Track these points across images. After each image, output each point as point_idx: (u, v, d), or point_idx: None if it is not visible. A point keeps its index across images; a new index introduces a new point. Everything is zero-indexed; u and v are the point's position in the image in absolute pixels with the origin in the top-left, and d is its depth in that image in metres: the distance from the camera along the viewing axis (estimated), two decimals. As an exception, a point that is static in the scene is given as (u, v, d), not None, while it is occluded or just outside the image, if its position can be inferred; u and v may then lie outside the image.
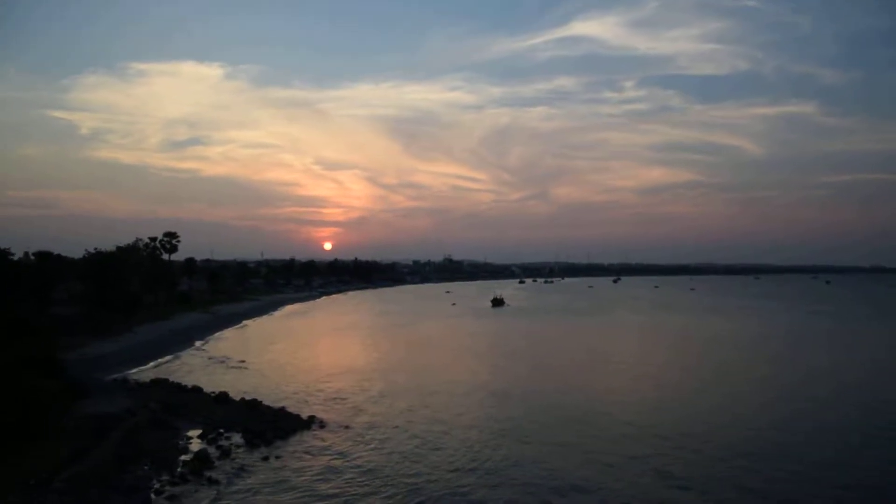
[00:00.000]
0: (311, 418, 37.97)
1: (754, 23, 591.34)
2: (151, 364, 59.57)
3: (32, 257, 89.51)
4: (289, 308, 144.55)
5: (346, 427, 36.49)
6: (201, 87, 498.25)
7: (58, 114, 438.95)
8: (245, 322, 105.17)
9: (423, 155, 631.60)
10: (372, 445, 32.88)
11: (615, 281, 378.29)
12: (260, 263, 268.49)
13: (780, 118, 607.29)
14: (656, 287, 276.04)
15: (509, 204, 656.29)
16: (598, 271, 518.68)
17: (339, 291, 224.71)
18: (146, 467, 27.73)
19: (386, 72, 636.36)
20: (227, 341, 79.60)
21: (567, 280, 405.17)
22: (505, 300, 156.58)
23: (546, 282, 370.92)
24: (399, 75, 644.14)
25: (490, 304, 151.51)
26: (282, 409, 39.63)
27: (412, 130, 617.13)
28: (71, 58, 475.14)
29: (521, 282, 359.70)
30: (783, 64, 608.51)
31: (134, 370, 55.35)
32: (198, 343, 75.58)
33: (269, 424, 35.53)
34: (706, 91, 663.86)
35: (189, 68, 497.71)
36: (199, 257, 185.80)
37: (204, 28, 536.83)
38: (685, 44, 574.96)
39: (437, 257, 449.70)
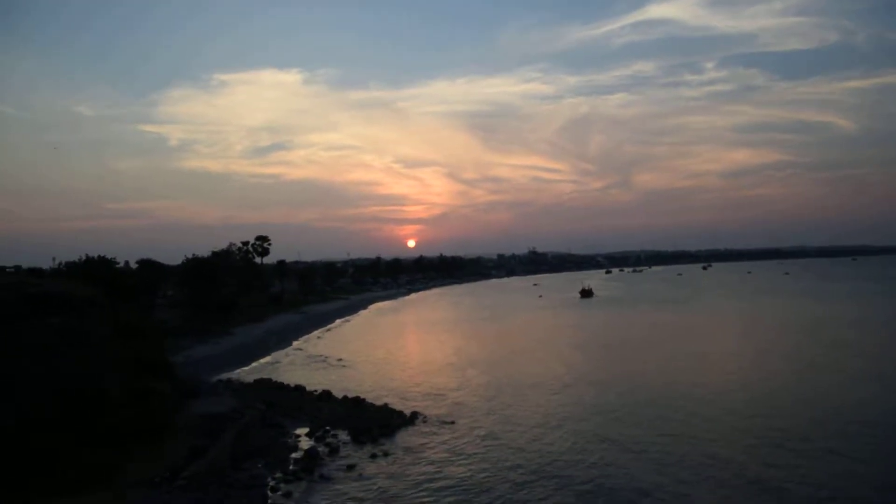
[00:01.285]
0: (414, 414, 37.96)
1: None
2: (253, 364, 60.99)
3: (136, 265, 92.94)
4: (378, 306, 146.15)
5: (450, 423, 36.26)
6: (281, 93, 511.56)
7: (148, 128, 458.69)
8: (337, 321, 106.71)
9: (501, 148, 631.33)
10: (477, 441, 32.53)
11: (705, 268, 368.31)
12: (346, 263, 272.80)
13: (876, 90, 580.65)
14: (748, 273, 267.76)
15: (591, 193, 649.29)
16: (686, 258, 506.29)
17: (426, 288, 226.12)
18: (259, 465, 28.18)
19: (461, 67, 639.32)
20: (322, 340, 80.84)
21: (654, 268, 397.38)
22: (593, 291, 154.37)
23: (634, 271, 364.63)
24: (474, 70, 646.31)
25: (578, 295, 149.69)
26: (384, 406, 39.79)
27: (490, 124, 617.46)
28: (158, 73, 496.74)
29: (608, 272, 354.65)
30: (878, 32, 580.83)
31: (236, 371, 56.75)
32: (294, 343, 77.04)
33: (373, 421, 35.67)
34: (792, 67, 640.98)
35: (269, 76, 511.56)
36: (287, 259, 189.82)
37: (281, 36, 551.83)
38: (767, 19, 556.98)
39: (521, 250, 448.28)
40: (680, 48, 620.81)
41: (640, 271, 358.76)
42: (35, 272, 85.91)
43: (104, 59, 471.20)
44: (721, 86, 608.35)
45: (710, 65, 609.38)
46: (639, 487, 25.36)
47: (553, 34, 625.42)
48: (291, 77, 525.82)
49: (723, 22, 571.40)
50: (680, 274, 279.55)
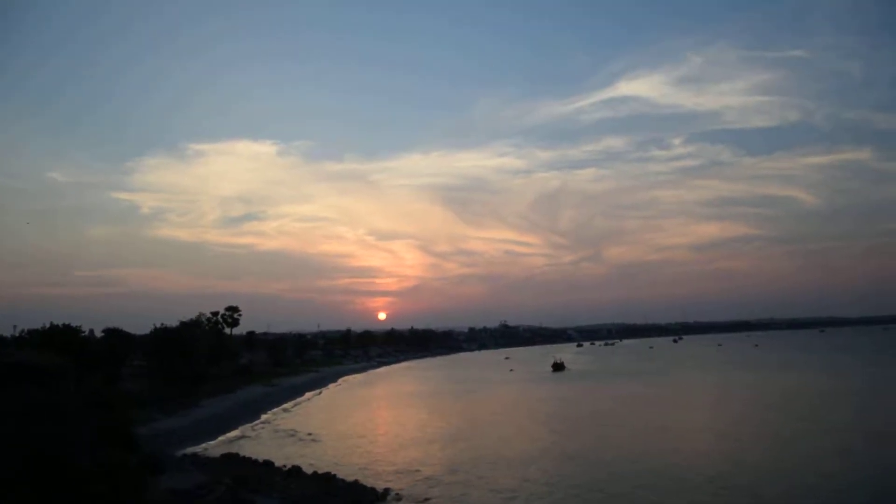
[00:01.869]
0: (387, 491, 37.10)
1: (802, 72, 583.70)
2: (220, 438, 59.45)
3: (102, 333, 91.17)
4: (349, 378, 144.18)
5: (425, 500, 35.48)
6: (256, 164, 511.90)
7: (121, 195, 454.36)
8: (307, 394, 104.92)
9: (474, 222, 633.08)
10: (452, 518, 31.77)
11: (675, 341, 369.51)
12: (317, 335, 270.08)
13: (835, 166, 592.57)
14: (719, 345, 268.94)
15: (562, 267, 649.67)
16: (657, 331, 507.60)
17: (398, 361, 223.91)
18: (227, 544, 27.18)
19: (435, 141, 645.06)
20: (292, 413, 79.33)
21: (626, 342, 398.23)
22: (565, 364, 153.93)
23: (606, 344, 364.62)
24: (448, 143, 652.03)
25: (550, 369, 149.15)
26: (356, 482, 38.85)
27: (463, 198, 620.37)
28: (133, 141, 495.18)
29: (580, 345, 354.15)
30: (835, 111, 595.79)
31: (203, 444, 55.30)
32: (263, 416, 75.44)
33: (345, 498, 34.77)
34: (756, 143, 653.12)
35: (243, 147, 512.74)
36: (257, 330, 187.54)
37: (257, 108, 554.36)
38: (732, 97, 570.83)
39: (493, 323, 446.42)
40: (648, 124, 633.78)
41: (612, 344, 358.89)
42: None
43: (79, 126, 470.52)
44: (688, 161, 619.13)
45: (677, 141, 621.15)
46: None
47: (525, 109, 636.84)
48: (266, 148, 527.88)
49: (689, 100, 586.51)
50: (651, 347, 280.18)
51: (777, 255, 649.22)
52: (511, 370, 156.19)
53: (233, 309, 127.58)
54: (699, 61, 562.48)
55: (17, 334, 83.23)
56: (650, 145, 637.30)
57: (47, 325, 74.00)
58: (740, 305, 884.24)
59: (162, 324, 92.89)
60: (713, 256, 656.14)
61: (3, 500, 20.40)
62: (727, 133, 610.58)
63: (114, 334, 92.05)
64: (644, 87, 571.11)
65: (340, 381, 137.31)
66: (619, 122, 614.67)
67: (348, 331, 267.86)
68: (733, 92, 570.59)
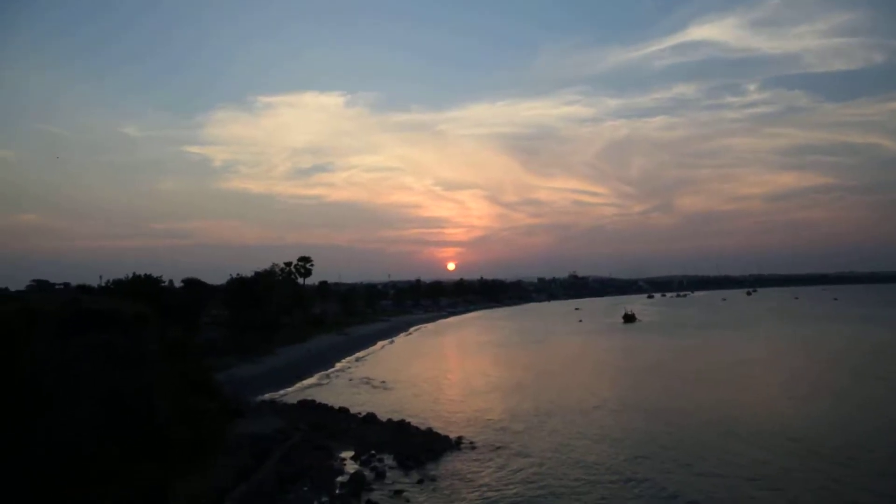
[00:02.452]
0: (460, 439, 37.35)
1: (889, 10, 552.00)
2: (296, 385, 60.93)
3: (181, 284, 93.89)
4: (420, 328, 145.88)
5: (496, 448, 35.59)
6: (323, 115, 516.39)
7: (193, 149, 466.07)
8: (379, 343, 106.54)
9: (542, 171, 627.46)
10: (525, 468, 31.77)
11: (749, 293, 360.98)
12: (387, 285, 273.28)
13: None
14: (795, 298, 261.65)
15: (632, 217, 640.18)
16: (730, 283, 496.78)
17: (467, 311, 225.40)
18: (305, 488, 27.85)
19: (501, 90, 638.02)
20: (364, 362, 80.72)
21: (697, 293, 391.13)
22: (636, 316, 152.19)
23: (678, 295, 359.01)
24: (514, 92, 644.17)
25: (621, 320, 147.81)
26: (430, 430, 39.26)
27: (530, 147, 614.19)
28: (204, 95, 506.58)
29: (650, 296, 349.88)
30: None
31: (280, 391, 56.73)
32: (337, 364, 76.95)
33: (419, 446, 35.15)
34: (837, 88, 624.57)
35: (311, 98, 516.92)
36: (328, 280, 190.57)
37: (323, 59, 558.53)
38: (811, 40, 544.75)
39: (561, 274, 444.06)
40: (721, 70, 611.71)
41: (684, 296, 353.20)
42: (84, 289, 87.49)
43: (151, 82, 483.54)
44: (764, 108, 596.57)
45: (752, 87, 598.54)
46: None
47: (593, 57, 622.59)
48: (333, 99, 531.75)
49: (765, 43, 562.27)
50: (724, 299, 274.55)
51: (857, 206, 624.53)
52: (580, 321, 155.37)
53: (305, 259, 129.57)
54: (775, 3, 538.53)
55: (102, 284, 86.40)
56: (723, 92, 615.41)
57: (130, 276, 76.60)
58: (817, 258, 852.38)
59: (238, 274, 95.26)
60: (789, 207, 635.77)
61: (87, 443, 21.16)
62: (805, 78, 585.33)
63: (193, 284, 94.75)
64: (716, 32, 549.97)
65: (411, 330, 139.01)
66: (690, 69, 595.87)
67: (418, 281, 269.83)
68: (813, 34, 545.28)
